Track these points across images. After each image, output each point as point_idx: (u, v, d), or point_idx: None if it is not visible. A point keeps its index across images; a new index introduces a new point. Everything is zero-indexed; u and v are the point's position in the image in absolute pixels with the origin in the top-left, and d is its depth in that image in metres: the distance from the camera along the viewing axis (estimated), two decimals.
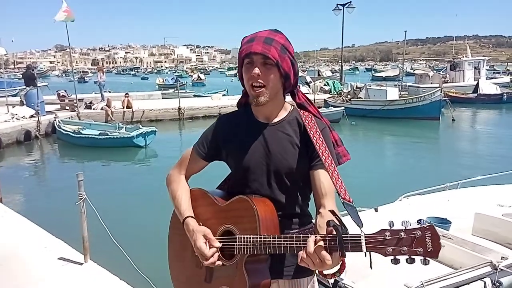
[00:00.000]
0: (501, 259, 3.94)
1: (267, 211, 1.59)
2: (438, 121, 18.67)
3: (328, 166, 1.58)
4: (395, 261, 1.24)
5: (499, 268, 3.79)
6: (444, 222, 4.82)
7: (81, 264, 4.28)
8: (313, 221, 1.64)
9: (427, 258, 1.22)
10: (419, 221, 1.26)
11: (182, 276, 1.83)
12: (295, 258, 1.46)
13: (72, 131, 14.43)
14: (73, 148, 13.84)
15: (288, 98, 1.79)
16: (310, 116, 1.72)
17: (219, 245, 1.62)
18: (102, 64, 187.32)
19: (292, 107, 1.77)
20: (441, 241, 1.20)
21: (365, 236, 1.26)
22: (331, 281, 3.38)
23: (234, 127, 1.76)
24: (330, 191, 1.61)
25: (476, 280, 3.72)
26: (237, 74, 1.75)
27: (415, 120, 18.64)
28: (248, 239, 1.54)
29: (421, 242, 1.21)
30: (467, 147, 14.49)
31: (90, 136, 13.90)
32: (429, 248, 1.21)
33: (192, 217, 1.71)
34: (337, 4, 28.16)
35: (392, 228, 1.25)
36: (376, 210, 4.92)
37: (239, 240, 1.57)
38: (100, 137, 13.63)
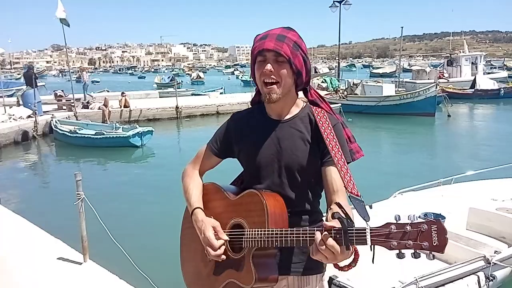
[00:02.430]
0: (495, 253, 3.98)
1: (276, 206, 1.59)
2: (434, 117, 18.66)
3: (337, 161, 1.58)
4: (400, 255, 1.23)
5: (493, 262, 3.82)
6: (439, 217, 4.86)
7: (80, 263, 4.30)
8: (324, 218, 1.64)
9: (433, 252, 1.21)
10: (425, 215, 1.27)
11: (192, 268, 1.85)
12: (304, 255, 1.50)
13: (69, 131, 14.42)
14: (70, 148, 13.85)
15: (301, 94, 1.80)
16: (322, 112, 1.72)
17: (227, 238, 1.63)
18: (99, 63, 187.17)
19: (305, 103, 1.77)
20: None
21: (370, 229, 1.26)
22: (326, 279, 3.42)
23: (247, 125, 1.78)
24: (342, 188, 1.60)
25: (470, 275, 3.74)
26: (250, 72, 1.76)
27: (411, 116, 18.66)
28: (256, 232, 1.55)
29: (427, 236, 1.20)
30: (462, 142, 14.52)
31: (86, 136, 13.91)
32: (435, 242, 1.19)
33: (201, 208, 1.73)
34: (333, 1, 28.10)
35: (398, 222, 1.25)
36: (370, 207, 4.95)
37: (248, 233, 1.58)
38: (96, 137, 13.64)
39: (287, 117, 1.72)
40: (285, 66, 1.60)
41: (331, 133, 1.64)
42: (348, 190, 1.53)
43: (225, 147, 1.82)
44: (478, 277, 3.78)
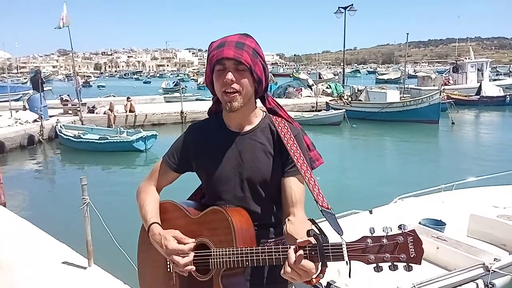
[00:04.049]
0: (494, 260, 3.97)
1: (242, 222, 1.52)
2: (437, 124, 18.54)
3: (304, 173, 1.53)
4: (378, 269, 1.21)
5: (492, 270, 3.82)
6: (439, 224, 4.87)
7: (85, 268, 4.33)
8: None
9: (410, 264, 1.19)
10: (400, 226, 1.26)
11: None
12: (273, 267, 1.42)
13: (73, 135, 14.50)
14: (74, 153, 13.92)
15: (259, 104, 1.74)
16: (283, 122, 1.66)
17: (193, 240, 1.53)
18: (105, 68, 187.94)
19: (264, 113, 1.71)
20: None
21: (346, 245, 1.22)
22: (324, 284, 3.44)
23: (205, 137, 1.69)
24: (301, 199, 1.57)
25: (469, 282, 3.75)
26: (205, 81, 1.69)
27: (414, 123, 18.58)
28: (224, 252, 1.47)
29: (403, 248, 1.18)
30: (465, 150, 14.46)
31: (90, 140, 13.96)
32: (412, 254, 1.18)
33: (157, 223, 1.61)
34: (338, 7, 28.16)
35: (373, 235, 1.22)
36: (370, 212, 4.97)
37: (215, 253, 1.50)
38: (100, 141, 13.68)
39: (247, 128, 1.65)
40: (246, 74, 1.54)
41: (294, 144, 1.59)
42: (319, 204, 1.48)
43: (183, 161, 1.72)
44: (477, 285, 3.78)
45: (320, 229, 1.28)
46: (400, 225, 1.23)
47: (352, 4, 27.55)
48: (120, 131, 14.71)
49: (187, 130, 1.78)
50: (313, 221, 1.35)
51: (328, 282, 3.44)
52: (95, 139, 13.93)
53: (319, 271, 1.29)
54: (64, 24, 16.90)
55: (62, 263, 4.43)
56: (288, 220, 1.52)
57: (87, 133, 15.00)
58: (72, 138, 14.27)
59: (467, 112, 23.55)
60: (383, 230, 1.22)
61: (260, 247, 1.44)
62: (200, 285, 1.55)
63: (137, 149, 13.42)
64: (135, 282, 4.04)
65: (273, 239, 1.63)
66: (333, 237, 1.31)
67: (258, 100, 1.73)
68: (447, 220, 4.98)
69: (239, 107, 1.56)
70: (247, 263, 1.43)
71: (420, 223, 4.88)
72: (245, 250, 1.43)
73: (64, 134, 14.72)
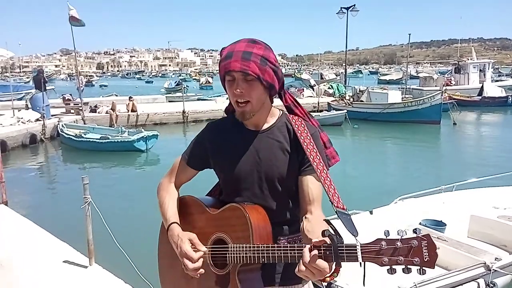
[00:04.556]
0: (495, 260, 3.99)
1: (259, 219, 1.55)
2: (439, 125, 18.53)
3: (320, 173, 1.55)
4: (391, 271, 1.23)
5: (493, 269, 3.83)
6: (440, 225, 4.87)
7: (86, 267, 4.34)
8: None
9: (424, 268, 1.20)
10: (415, 230, 1.26)
11: (172, 286, 1.79)
12: (288, 264, 1.43)
13: (74, 134, 14.52)
14: (76, 152, 13.95)
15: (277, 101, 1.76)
16: (299, 120, 1.68)
17: (205, 249, 1.57)
18: (107, 67, 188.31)
19: (281, 112, 1.73)
20: (436, 243, 1.22)
21: (360, 246, 1.24)
22: (325, 283, 3.45)
23: (223, 135, 1.71)
24: (318, 197, 1.59)
25: (470, 281, 3.76)
26: (222, 85, 1.70)
27: (416, 123, 18.57)
28: (241, 248, 1.50)
29: (417, 252, 1.19)
30: (466, 150, 14.48)
31: (91, 140, 13.97)
32: (425, 258, 1.19)
33: (177, 223, 1.65)
34: (341, 7, 28.20)
35: (388, 238, 1.23)
36: (371, 212, 4.97)
37: (232, 249, 1.53)
38: (101, 141, 13.68)
39: (264, 126, 1.68)
40: (255, 84, 1.55)
41: (311, 143, 1.61)
42: (334, 205, 1.50)
43: (201, 159, 1.75)
44: (478, 284, 3.79)
45: (335, 230, 1.30)
46: (415, 229, 1.25)
47: (354, 5, 27.57)
48: (121, 131, 14.73)
49: (205, 128, 1.79)
50: (328, 222, 1.37)
51: (329, 282, 3.45)
52: (96, 139, 13.95)
53: (332, 270, 1.31)
54: (82, 22, 16.97)
55: (63, 262, 4.45)
56: (306, 218, 1.56)
57: (88, 133, 15.04)
58: (73, 137, 14.31)
59: (469, 112, 23.53)
60: (398, 233, 1.23)
61: (276, 245, 1.47)
62: (217, 279, 1.59)
63: (138, 149, 13.40)
64: (136, 281, 4.07)
65: (289, 236, 1.65)
66: (347, 238, 1.32)
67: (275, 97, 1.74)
68: (448, 220, 4.98)
69: (252, 115, 1.60)
70: (263, 260, 1.46)
71: (420, 223, 4.88)
72: (261, 247, 1.46)
73: (66, 133, 14.76)
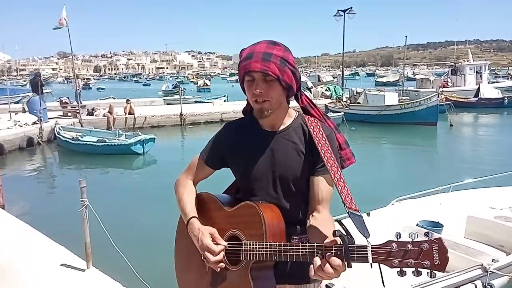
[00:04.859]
0: (492, 261, 3.99)
1: (273, 218, 1.59)
2: (435, 127, 18.56)
3: (334, 174, 1.57)
4: (402, 273, 1.24)
5: (490, 271, 3.83)
6: (437, 226, 4.86)
7: (84, 270, 4.32)
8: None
9: (434, 271, 1.21)
10: (426, 234, 1.27)
11: (187, 280, 1.84)
12: (300, 263, 1.46)
13: (71, 137, 14.47)
14: (72, 155, 13.88)
15: (293, 103, 1.80)
16: (315, 121, 1.71)
17: (225, 243, 1.62)
18: (105, 70, 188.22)
19: (297, 113, 1.76)
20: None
21: (371, 247, 1.25)
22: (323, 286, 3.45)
23: (240, 135, 1.75)
24: (327, 198, 1.63)
25: (467, 283, 3.75)
26: (240, 85, 1.74)
27: (412, 125, 18.60)
28: (254, 245, 1.54)
29: (428, 255, 1.20)
30: (463, 152, 14.50)
31: (88, 143, 13.90)
32: (436, 261, 1.20)
33: (196, 217, 1.70)
34: (338, 10, 28.28)
35: (399, 240, 1.24)
36: (368, 214, 4.96)
37: (245, 246, 1.57)
38: (98, 144, 13.59)
39: (281, 128, 1.71)
40: (274, 84, 1.58)
41: (326, 144, 1.63)
42: (346, 206, 1.52)
43: (217, 158, 1.80)
44: (476, 286, 3.78)
45: (347, 230, 1.32)
46: (427, 232, 1.26)
47: (351, 7, 27.69)
48: (118, 134, 14.69)
49: (222, 128, 1.84)
50: (340, 222, 1.40)
51: (326, 285, 3.45)
52: (93, 142, 13.89)
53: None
54: (63, 25, 16.93)
55: (61, 265, 4.43)
56: (313, 216, 1.61)
57: (85, 135, 14.99)
58: (70, 140, 14.26)
59: (466, 114, 23.62)
60: (409, 236, 1.25)
61: (288, 244, 1.49)
62: (230, 275, 1.63)
63: (135, 152, 13.34)
64: (133, 284, 4.06)
65: (301, 236, 1.67)
66: (358, 240, 1.33)
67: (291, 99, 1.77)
68: (445, 221, 4.98)
69: (269, 114, 1.63)
70: (275, 258, 1.49)
71: (417, 225, 4.88)
72: (274, 245, 1.50)
73: (62, 136, 14.71)
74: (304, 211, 1.70)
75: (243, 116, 1.85)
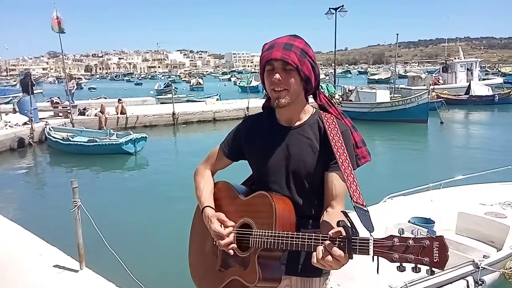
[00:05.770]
0: (483, 257, 4.04)
1: (285, 209, 1.63)
2: (426, 124, 18.66)
3: (344, 169, 1.60)
4: (401, 268, 1.26)
5: (481, 267, 3.87)
6: (428, 222, 4.90)
7: (77, 271, 4.30)
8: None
9: (433, 268, 1.23)
10: (429, 231, 1.28)
11: (198, 262, 1.92)
12: (309, 257, 1.49)
13: (62, 138, 14.31)
14: (63, 156, 13.75)
15: (311, 99, 1.83)
16: (331, 118, 1.74)
17: (233, 223, 1.71)
18: (96, 70, 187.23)
19: (314, 109, 1.80)
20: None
21: (373, 240, 1.29)
22: None
23: (257, 129, 1.82)
24: (341, 194, 1.66)
25: (459, 279, 3.79)
26: (260, 77, 1.80)
27: (403, 123, 18.69)
28: (263, 233, 1.59)
29: (428, 252, 1.22)
30: (453, 149, 14.56)
31: (79, 143, 13.75)
32: (435, 258, 1.21)
33: (211, 207, 1.79)
34: (329, 8, 28.27)
35: (401, 235, 1.28)
36: None
37: (255, 233, 1.63)
38: (89, 144, 13.47)
39: (297, 123, 1.76)
40: (293, 74, 1.64)
41: (340, 141, 1.66)
42: (353, 200, 1.54)
43: (236, 150, 1.88)
44: (467, 282, 3.83)
45: (351, 222, 1.35)
46: (413, 229, 1.29)
47: (342, 5, 27.66)
48: (109, 133, 14.57)
49: (242, 122, 1.92)
50: (345, 214, 1.43)
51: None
52: (84, 142, 13.75)
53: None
54: (62, 29, 16.78)
55: (54, 266, 4.41)
56: (326, 211, 1.65)
57: (76, 136, 14.83)
58: (60, 141, 14.11)
59: (457, 111, 23.76)
60: (411, 232, 1.28)
61: (295, 233, 1.54)
62: (239, 260, 1.70)
63: (126, 151, 13.22)
64: (127, 284, 4.05)
65: (312, 230, 1.68)
66: (362, 233, 1.35)
67: (310, 97, 1.82)
68: (436, 218, 5.02)
69: (286, 103, 1.67)
70: (281, 246, 1.54)
71: (409, 221, 4.92)
72: (281, 234, 1.55)
73: (53, 137, 14.56)
74: (317, 208, 1.73)
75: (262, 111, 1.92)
